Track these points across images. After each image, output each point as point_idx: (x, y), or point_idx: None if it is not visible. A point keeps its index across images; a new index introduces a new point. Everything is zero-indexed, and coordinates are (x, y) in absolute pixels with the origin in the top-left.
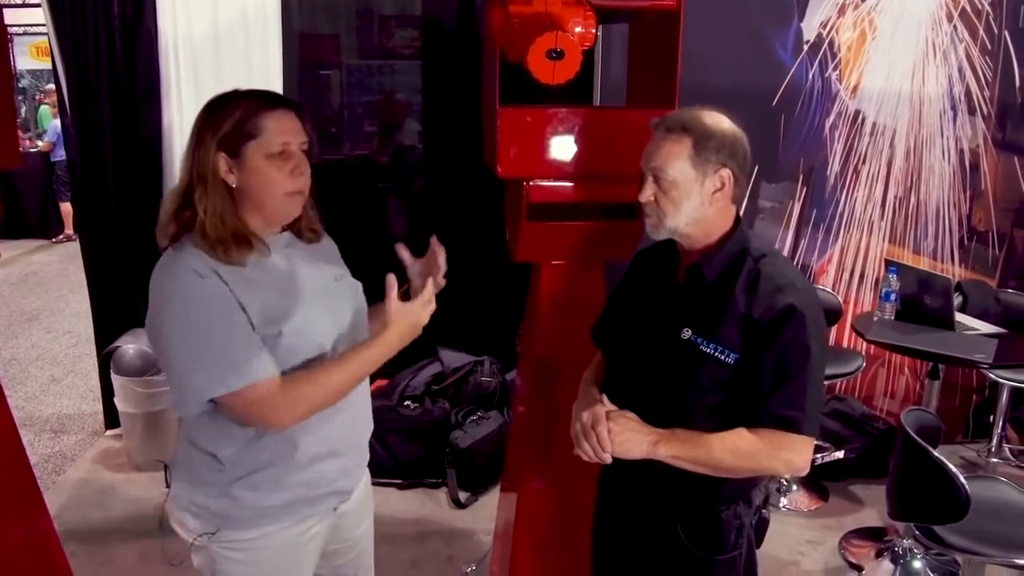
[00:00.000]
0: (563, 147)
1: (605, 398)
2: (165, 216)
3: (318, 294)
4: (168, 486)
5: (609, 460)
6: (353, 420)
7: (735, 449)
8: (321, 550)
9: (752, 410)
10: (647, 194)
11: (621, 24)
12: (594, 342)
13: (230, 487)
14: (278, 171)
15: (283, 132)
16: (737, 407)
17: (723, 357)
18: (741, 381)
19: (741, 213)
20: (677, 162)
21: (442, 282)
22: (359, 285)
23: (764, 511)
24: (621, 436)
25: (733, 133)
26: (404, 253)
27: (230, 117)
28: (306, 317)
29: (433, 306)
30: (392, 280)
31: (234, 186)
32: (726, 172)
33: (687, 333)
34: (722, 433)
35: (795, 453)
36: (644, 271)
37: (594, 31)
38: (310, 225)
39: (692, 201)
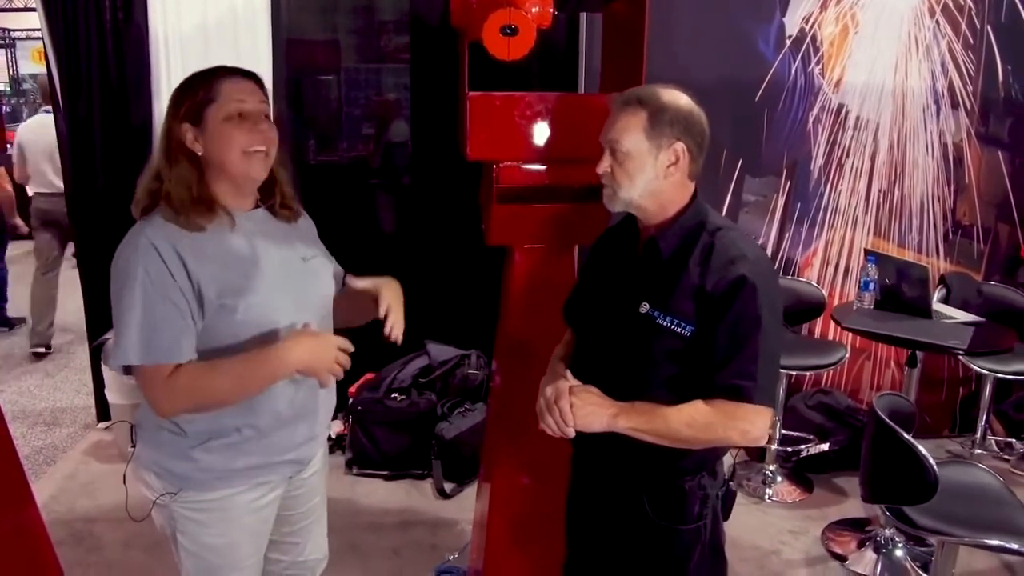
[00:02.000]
0: (531, 131)
1: (569, 373)
2: (140, 192)
3: (280, 273)
4: (134, 445)
5: (572, 434)
6: (316, 392)
7: (691, 421)
8: (275, 516)
9: (706, 381)
10: (604, 166)
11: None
12: (564, 319)
13: (190, 450)
14: (236, 129)
15: (239, 92)
16: (693, 380)
17: (679, 330)
18: (696, 353)
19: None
20: (632, 134)
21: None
22: (331, 268)
23: (731, 484)
24: (583, 410)
25: (689, 108)
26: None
27: (191, 89)
28: (262, 295)
29: (345, 360)
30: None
31: (200, 154)
32: (680, 146)
33: (645, 307)
34: (679, 405)
35: (749, 423)
36: (607, 248)
37: (551, 11)
38: (284, 202)
39: (646, 174)
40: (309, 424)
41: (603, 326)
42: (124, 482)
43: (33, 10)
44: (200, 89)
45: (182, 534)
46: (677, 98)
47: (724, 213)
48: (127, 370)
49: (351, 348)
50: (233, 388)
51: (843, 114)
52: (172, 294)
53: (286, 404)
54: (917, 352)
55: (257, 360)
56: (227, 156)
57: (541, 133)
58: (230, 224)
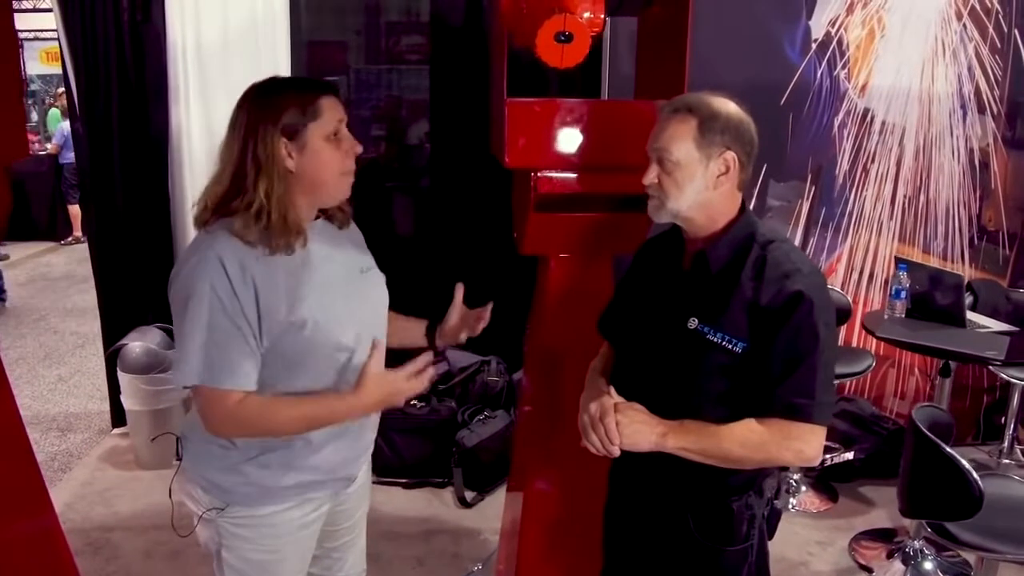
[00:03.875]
0: (571, 138)
1: (612, 389)
2: (211, 203)
3: (342, 287)
4: (179, 458)
5: (617, 453)
6: None
7: (744, 440)
8: (320, 533)
9: (761, 399)
10: (651, 176)
11: (628, 20)
12: (600, 333)
13: (240, 464)
14: (334, 151)
15: (337, 114)
16: (745, 396)
17: (731, 346)
18: (749, 370)
19: (750, 206)
20: (681, 143)
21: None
22: (383, 278)
23: (776, 502)
24: (629, 428)
25: (739, 117)
26: (459, 294)
27: (288, 104)
28: (328, 311)
29: (422, 382)
30: (380, 342)
31: (293, 172)
32: (731, 155)
33: (694, 323)
34: (731, 424)
35: (805, 443)
36: (650, 260)
37: (602, 17)
38: (340, 207)
39: (696, 184)
40: (357, 439)
41: (648, 342)
42: (170, 496)
43: (42, 11)
44: (302, 104)
45: (228, 550)
46: (727, 105)
47: None
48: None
49: (422, 384)
50: (300, 427)
51: (869, 119)
52: (236, 315)
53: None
54: (950, 361)
55: (330, 406)
56: (326, 177)
57: (580, 140)
58: (302, 241)
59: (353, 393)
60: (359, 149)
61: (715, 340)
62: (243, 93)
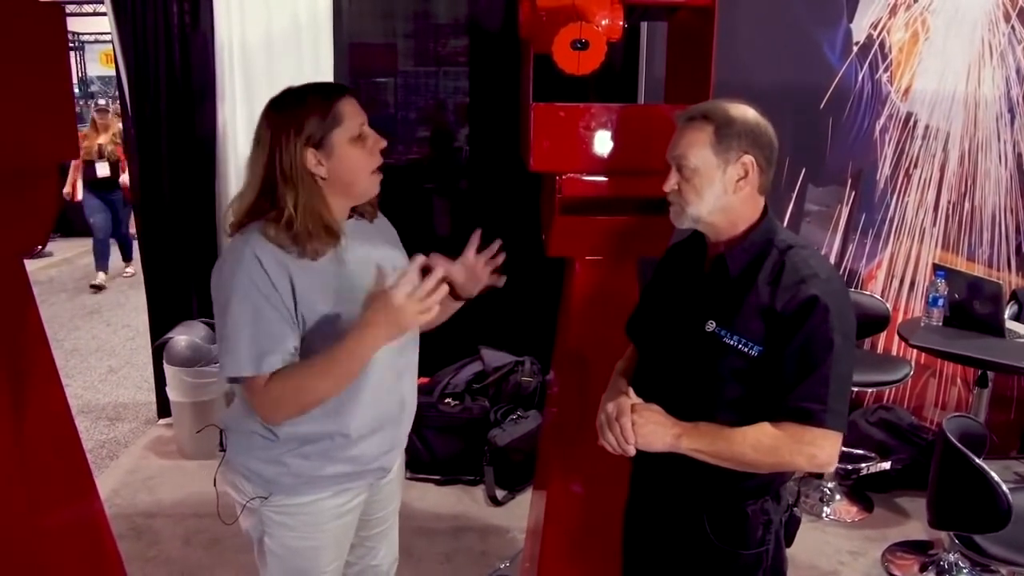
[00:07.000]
0: (595, 142)
1: (631, 390)
2: (241, 212)
3: (377, 281)
4: (223, 448)
5: (632, 452)
6: (401, 399)
7: (757, 443)
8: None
9: (774, 403)
10: (671, 183)
11: (665, 24)
12: (627, 335)
13: (282, 455)
14: (361, 152)
15: (357, 115)
16: (759, 400)
17: (746, 350)
18: (764, 374)
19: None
20: (698, 149)
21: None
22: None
23: (795, 509)
24: (645, 428)
25: (756, 121)
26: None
27: (308, 113)
28: (362, 303)
29: (428, 304)
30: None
31: (325, 177)
32: (749, 159)
33: (711, 325)
34: (744, 427)
35: (818, 448)
36: (674, 264)
37: (621, 24)
38: (370, 201)
39: (714, 189)
40: (393, 431)
41: (667, 344)
42: (215, 486)
43: (102, 14)
44: (321, 112)
45: (270, 537)
46: (743, 111)
47: (786, 223)
48: (233, 379)
49: (416, 280)
50: (330, 385)
51: (911, 123)
52: (278, 304)
53: (373, 412)
54: (988, 372)
55: (345, 353)
56: (357, 178)
57: (605, 144)
58: (337, 243)
59: (357, 333)
60: (383, 143)
61: (731, 343)
62: (263, 109)
